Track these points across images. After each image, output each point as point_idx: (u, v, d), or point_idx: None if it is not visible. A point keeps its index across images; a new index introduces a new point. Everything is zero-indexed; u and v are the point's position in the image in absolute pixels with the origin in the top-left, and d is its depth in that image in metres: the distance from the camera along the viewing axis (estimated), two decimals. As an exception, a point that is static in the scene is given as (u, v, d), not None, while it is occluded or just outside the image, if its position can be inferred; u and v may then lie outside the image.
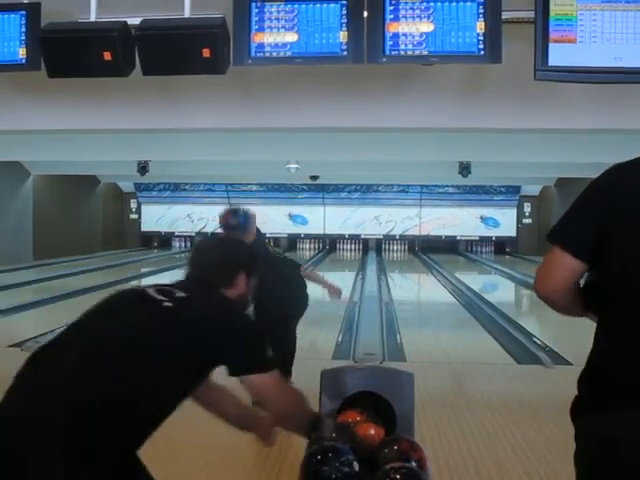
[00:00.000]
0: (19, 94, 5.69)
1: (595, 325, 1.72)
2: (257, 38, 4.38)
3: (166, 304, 2.08)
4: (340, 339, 7.05)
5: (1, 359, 6.04)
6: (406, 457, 2.08)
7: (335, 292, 5.58)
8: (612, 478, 1.55)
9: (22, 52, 4.69)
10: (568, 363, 5.97)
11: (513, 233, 22.09)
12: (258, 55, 4.38)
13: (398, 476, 1.97)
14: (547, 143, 9.90)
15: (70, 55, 4.51)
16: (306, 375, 5.82)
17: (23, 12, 4.68)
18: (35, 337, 6.84)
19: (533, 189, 21.68)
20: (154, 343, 1.99)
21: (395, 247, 22.43)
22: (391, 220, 22.18)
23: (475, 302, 10.52)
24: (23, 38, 4.68)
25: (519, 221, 22.20)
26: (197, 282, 2.28)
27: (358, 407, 2.52)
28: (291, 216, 22.25)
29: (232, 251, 2.44)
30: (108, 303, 2.25)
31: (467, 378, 5.69)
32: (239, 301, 2.33)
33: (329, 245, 22.47)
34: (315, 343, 7.10)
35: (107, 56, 4.43)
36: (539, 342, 7.03)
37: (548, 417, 4.39)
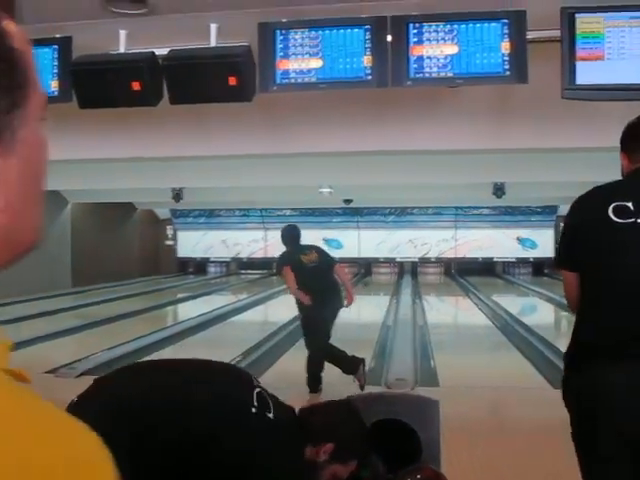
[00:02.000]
0: (54, 124, 5.83)
1: None
2: (282, 65, 4.41)
3: (252, 409, 2.06)
4: (372, 364, 6.97)
5: (35, 385, 6.12)
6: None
7: (348, 300, 6.30)
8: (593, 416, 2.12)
9: (54, 85, 4.80)
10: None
11: (551, 254, 21.74)
12: (283, 82, 4.42)
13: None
14: (583, 161, 9.77)
15: (100, 86, 4.60)
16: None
17: (55, 46, 4.80)
18: (69, 364, 6.93)
19: (571, 209, 21.35)
20: None
21: (431, 270, 22.25)
22: (426, 243, 22.03)
23: (511, 325, 10.34)
24: (55, 71, 4.79)
25: (557, 241, 21.82)
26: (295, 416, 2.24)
27: (383, 434, 2.49)
28: (326, 240, 22.23)
29: (346, 423, 2.28)
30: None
31: (501, 403, 5.57)
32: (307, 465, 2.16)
33: (364, 269, 22.38)
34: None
35: (136, 86, 4.51)
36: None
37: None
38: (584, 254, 2.28)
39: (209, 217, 22.45)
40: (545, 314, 14.25)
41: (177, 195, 14.22)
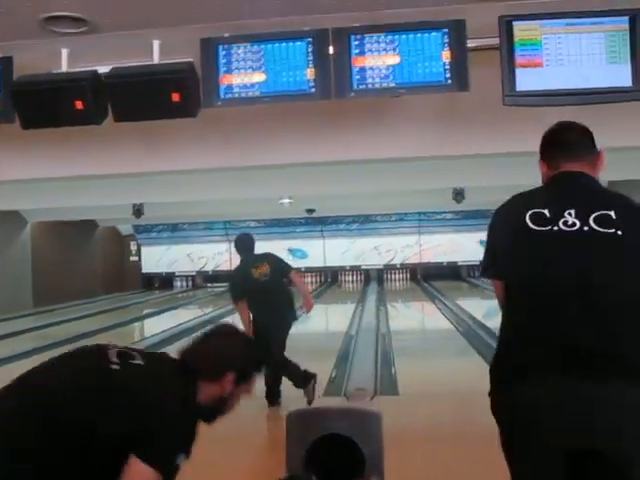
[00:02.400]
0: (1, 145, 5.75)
1: None
2: (225, 80, 4.40)
3: (113, 366, 2.09)
4: (334, 374, 6.98)
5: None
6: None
7: (307, 306, 6.46)
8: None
9: (-5, 106, 4.71)
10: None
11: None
12: (227, 96, 4.40)
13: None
14: (537, 165, 9.89)
15: (42, 106, 4.54)
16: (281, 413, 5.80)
17: (-5, 66, 4.72)
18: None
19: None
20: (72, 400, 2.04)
21: (396, 276, 22.37)
22: (391, 249, 22.16)
23: (473, 329, 10.42)
24: (-4, 92, 4.70)
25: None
26: (176, 361, 2.29)
27: (324, 450, 2.48)
28: (291, 250, 22.23)
29: (232, 349, 2.36)
30: (59, 358, 2.26)
31: (462, 409, 5.59)
32: (212, 402, 2.27)
33: (330, 277, 22.41)
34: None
35: (79, 105, 4.46)
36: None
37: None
38: (504, 263, 2.26)
39: (173, 231, 22.34)
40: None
41: (138, 211, 14.11)
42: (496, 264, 2.32)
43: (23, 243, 16.84)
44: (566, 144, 2.45)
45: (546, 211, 2.21)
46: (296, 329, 11.41)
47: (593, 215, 2.16)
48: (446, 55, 4.28)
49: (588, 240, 2.14)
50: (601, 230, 2.13)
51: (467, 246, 21.75)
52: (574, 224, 2.16)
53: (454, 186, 13.50)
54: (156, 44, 4.59)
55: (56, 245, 18.53)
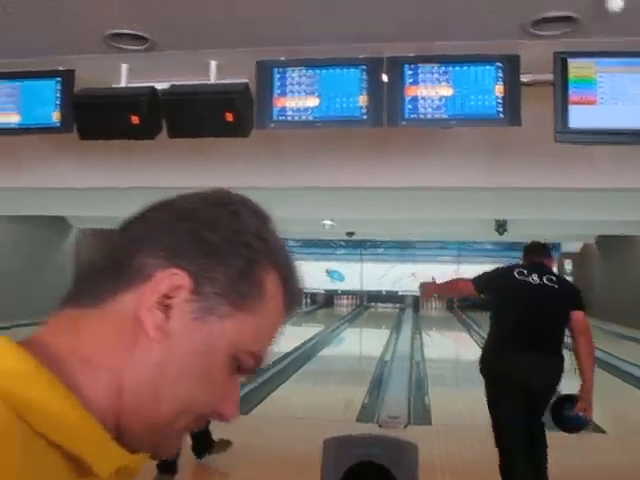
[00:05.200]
0: (58, 154, 5.91)
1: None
2: (279, 102, 4.48)
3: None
4: (366, 400, 6.95)
5: None
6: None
7: None
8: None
9: (56, 116, 4.86)
10: (601, 431, 5.77)
11: (554, 291, 21.68)
12: (280, 119, 4.48)
13: None
14: (585, 200, 9.79)
15: (100, 118, 4.67)
16: (318, 436, 5.76)
17: (58, 78, 4.88)
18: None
19: (574, 246, 21.38)
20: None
21: (433, 304, 22.22)
22: (429, 277, 22.03)
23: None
24: (58, 102, 4.86)
25: (560, 278, 21.83)
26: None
27: (359, 478, 2.49)
28: (328, 272, 22.29)
29: None
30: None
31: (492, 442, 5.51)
32: None
33: (366, 301, 22.36)
34: (341, 403, 7.02)
35: (135, 120, 4.57)
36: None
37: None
38: (495, 289, 4.84)
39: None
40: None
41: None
42: (486, 288, 4.96)
43: (67, 249, 17.18)
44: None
45: (525, 270, 4.77)
46: (330, 351, 11.42)
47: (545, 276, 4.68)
48: (499, 89, 4.30)
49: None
50: (548, 284, 4.63)
51: (506, 278, 21.46)
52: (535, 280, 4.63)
53: (497, 217, 13.41)
54: (213, 64, 4.71)
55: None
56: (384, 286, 22.25)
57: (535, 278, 4.56)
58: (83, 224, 16.95)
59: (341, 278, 22.29)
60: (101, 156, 5.86)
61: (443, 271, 21.94)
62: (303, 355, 10.22)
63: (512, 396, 4.23)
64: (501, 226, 13.52)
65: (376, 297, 22.40)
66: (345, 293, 22.51)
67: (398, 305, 21.86)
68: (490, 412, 4.44)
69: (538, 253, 4.93)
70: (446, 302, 22.27)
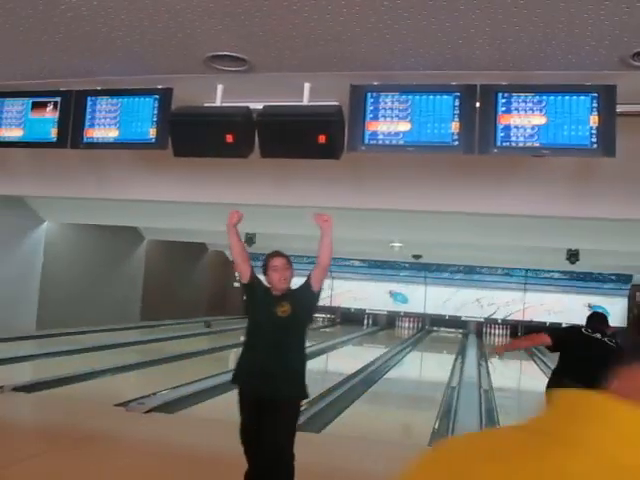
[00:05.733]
0: (144, 167, 6.14)
1: None
2: (371, 126, 4.55)
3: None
4: (437, 425, 6.90)
5: (108, 417, 6.31)
6: None
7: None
8: None
9: (152, 132, 5.06)
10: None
11: (624, 324, 21.11)
12: (371, 142, 4.54)
13: None
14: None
15: (195, 136, 4.83)
16: (401, 460, 5.75)
17: (157, 96, 5.08)
18: (138, 399, 7.11)
19: (646, 278, 20.79)
20: None
21: (497, 331, 21.87)
22: (493, 303, 21.72)
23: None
24: (155, 120, 5.05)
25: (630, 311, 21.23)
26: None
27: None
28: (392, 294, 22.20)
29: None
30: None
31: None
32: None
33: (429, 325, 22.18)
34: (411, 427, 6.99)
35: (229, 139, 4.71)
36: None
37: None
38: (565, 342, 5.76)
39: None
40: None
41: (250, 239, 14.52)
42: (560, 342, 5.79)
43: (139, 258, 17.63)
44: None
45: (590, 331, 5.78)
46: (393, 374, 11.37)
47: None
48: (594, 119, 4.27)
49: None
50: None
51: (573, 308, 21.05)
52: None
53: (569, 247, 13.18)
54: (307, 86, 4.82)
55: (167, 263, 19.28)
56: (447, 310, 22.04)
57: (598, 336, 5.68)
58: (154, 235, 17.38)
59: (404, 300, 22.16)
60: (185, 171, 6.06)
61: (509, 297, 21.74)
62: (368, 377, 10.22)
63: None
64: (573, 255, 13.27)
65: (439, 321, 22.22)
66: (408, 315, 22.37)
67: (461, 330, 21.62)
68: None
69: (602, 322, 5.97)
70: (510, 329, 21.91)
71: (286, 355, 4.01)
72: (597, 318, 6.15)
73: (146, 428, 6.13)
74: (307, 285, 4.22)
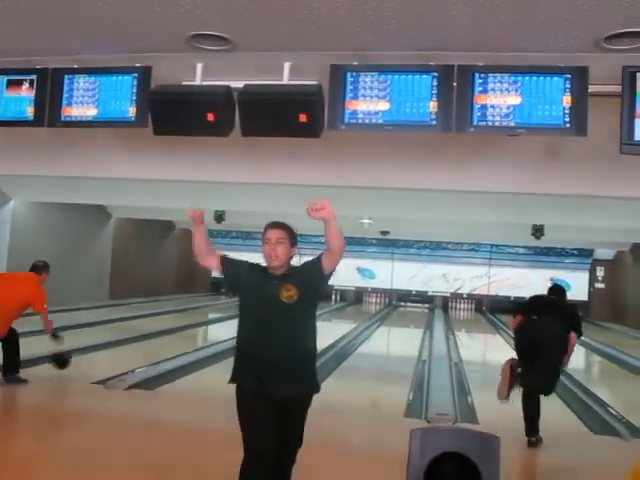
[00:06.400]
0: (120, 146, 6.12)
1: None
2: (351, 105, 4.63)
3: None
4: (411, 397, 7.08)
5: (88, 395, 6.36)
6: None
7: None
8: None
9: (132, 111, 5.06)
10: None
11: (585, 297, 21.65)
12: (351, 121, 4.63)
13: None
14: (623, 209, 9.86)
15: (176, 115, 4.85)
16: (378, 431, 5.95)
17: (135, 74, 5.08)
18: (116, 376, 7.15)
19: (607, 253, 21.31)
20: None
21: (462, 305, 22.27)
22: (459, 278, 22.08)
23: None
24: (134, 98, 5.06)
25: (591, 285, 21.78)
26: None
27: (445, 467, 2.64)
28: (359, 269, 22.42)
29: None
30: None
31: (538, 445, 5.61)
32: None
33: (396, 300, 22.48)
34: (385, 400, 7.16)
35: (210, 117, 4.75)
36: (614, 412, 6.90)
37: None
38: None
39: (245, 239, 22.69)
40: (577, 358, 14.17)
41: (219, 216, 14.48)
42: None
43: (106, 237, 17.49)
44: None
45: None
46: (363, 349, 11.54)
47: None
48: (567, 100, 4.41)
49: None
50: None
51: (537, 282, 21.48)
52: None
53: (534, 222, 13.45)
54: (287, 65, 4.87)
55: (135, 241, 19.15)
56: (414, 286, 22.35)
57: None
58: (121, 214, 17.24)
59: (372, 276, 22.41)
60: (159, 150, 6.05)
61: (474, 272, 22.13)
62: (338, 353, 10.37)
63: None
64: (538, 230, 13.54)
65: (406, 296, 22.54)
66: (375, 291, 22.63)
67: (427, 305, 21.97)
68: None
69: (557, 293, 6.07)
70: (475, 303, 22.33)
71: (295, 348, 3.30)
72: (555, 290, 6.18)
73: (127, 404, 6.19)
74: (316, 265, 3.40)
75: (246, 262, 3.60)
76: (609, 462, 5.21)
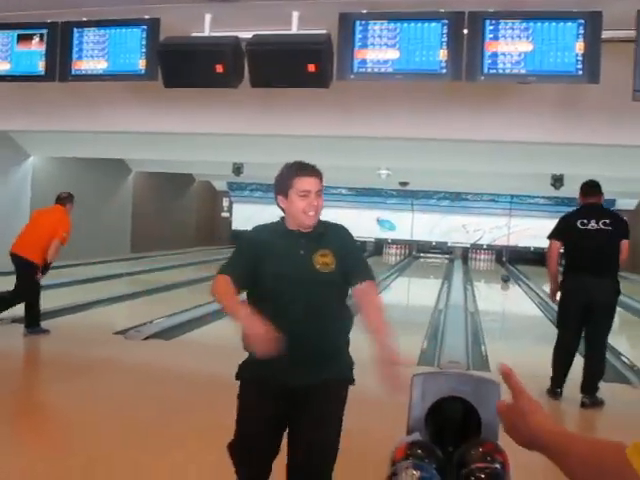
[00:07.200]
0: (133, 99, 6.13)
1: None
2: (360, 54, 4.59)
3: None
4: (425, 346, 7.16)
5: (108, 345, 6.52)
6: (490, 458, 2.23)
7: None
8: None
9: (142, 64, 5.07)
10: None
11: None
12: (360, 71, 4.59)
13: (482, 475, 2.13)
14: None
15: (185, 67, 4.85)
16: (391, 378, 6.02)
17: (144, 26, 5.07)
18: (136, 327, 7.31)
19: (628, 203, 21.01)
20: None
21: (482, 257, 22.23)
22: (479, 229, 22.00)
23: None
24: (144, 50, 5.05)
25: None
26: None
27: (446, 411, 2.69)
28: (379, 221, 22.40)
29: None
30: None
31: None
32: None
33: (416, 251, 22.50)
34: (399, 348, 7.25)
35: (219, 69, 4.74)
36: (627, 361, 6.94)
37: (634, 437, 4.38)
38: (566, 237, 5.48)
39: (265, 192, 22.66)
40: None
41: (237, 169, 14.53)
42: (560, 236, 5.56)
43: (126, 191, 17.61)
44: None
45: (585, 220, 5.46)
46: (385, 300, 11.66)
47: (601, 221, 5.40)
48: (580, 46, 4.33)
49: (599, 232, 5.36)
50: (604, 228, 5.37)
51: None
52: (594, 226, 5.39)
53: (554, 172, 13.31)
54: (295, 15, 4.82)
55: (155, 195, 19.27)
56: (434, 237, 22.33)
57: (594, 224, 5.39)
58: (141, 167, 17.32)
59: (391, 227, 22.40)
60: (174, 103, 6.05)
61: (494, 223, 22.01)
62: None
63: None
64: (558, 180, 13.41)
65: (425, 247, 22.54)
66: (395, 242, 22.65)
67: (447, 256, 21.96)
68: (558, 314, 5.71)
69: (594, 194, 5.63)
70: (495, 254, 22.27)
71: (329, 327, 2.70)
72: (590, 192, 5.63)
73: (145, 354, 6.34)
74: (350, 240, 2.81)
75: (254, 229, 2.83)
76: (617, 408, 5.27)
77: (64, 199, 7.21)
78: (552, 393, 5.38)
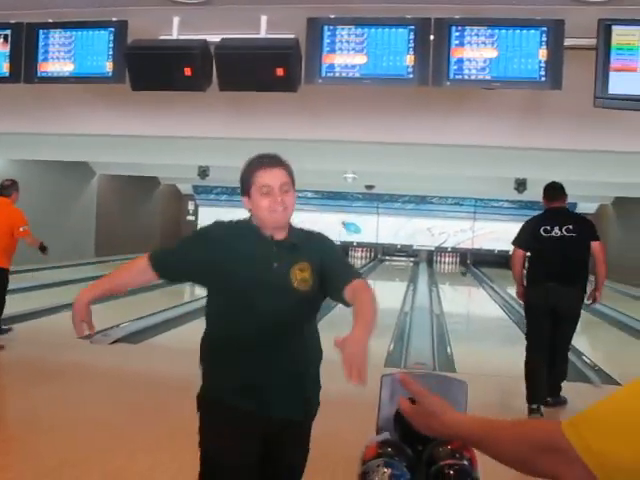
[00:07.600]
0: (100, 102, 6.09)
1: None
2: (328, 59, 4.63)
3: None
4: (392, 347, 7.23)
5: (74, 350, 6.45)
6: (459, 455, 2.28)
7: None
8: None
9: (109, 66, 5.03)
10: (617, 383, 6.04)
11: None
12: (328, 75, 4.63)
13: (451, 472, 2.18)
14: (605, 163, 9.94)
15: (153, 70, 4.83)
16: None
17: (112, 29, 5.03)
18: (101, 331, 7.24)
19: (589, 207, 21.44)
20: None
21: (447, 259, 22.48)
22: (444, 232, 22.25)
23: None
24: (111, 53, 5.02)
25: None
26: None
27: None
28: (345, 224, 22.51)
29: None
30: None
31: (515, 393, 5.78)
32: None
33: (381, 254, 22.67)
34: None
35: (188, 72, 4.73)
36: (588, 361, 7.09)
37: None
38: (529, 246, 5.51)
39: (231, 195, 22.62)
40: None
41: (203, 172, 14.49)
42: (523, 244, 5.56)
43: (90, 194, 17.42)
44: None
45: (549, 227, 5.48)
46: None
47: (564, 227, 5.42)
48: (543, 53, 4.43)
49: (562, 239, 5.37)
50: (567, 235, 5.39)
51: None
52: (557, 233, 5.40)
53: (517, 176, 13.54)
54: (263, 19, 4.83)
55: (119, 198, 19.10)
56: (399, 240, 22.51)
57: (557, 231, 5.38)
58: (105, 170, 17.16)
59: (357, 230, 22.53)
60: (141, 106, 6.03)
61: (459, 227, 22.28)
62: (323, 305, 10.49)
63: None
64: (521, 184, 13.65)
65: (391, 250, 22.73)
66: (360, 245, 22.78)
67: (412, 259, 22.16)
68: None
69: (558, 197, 5.67)
70: (459, 257, 22.53)
71: (306, 349, 2.45)
72: (553, 195, 5.66)
73: (113, 358, 6.30)
74: (331, 246, 2.49)
75: (217, 225, 2.45)
76: (582, 408, 5.36)
77: (7, 188, 6.52)
78: (530, 411, 5.10)
